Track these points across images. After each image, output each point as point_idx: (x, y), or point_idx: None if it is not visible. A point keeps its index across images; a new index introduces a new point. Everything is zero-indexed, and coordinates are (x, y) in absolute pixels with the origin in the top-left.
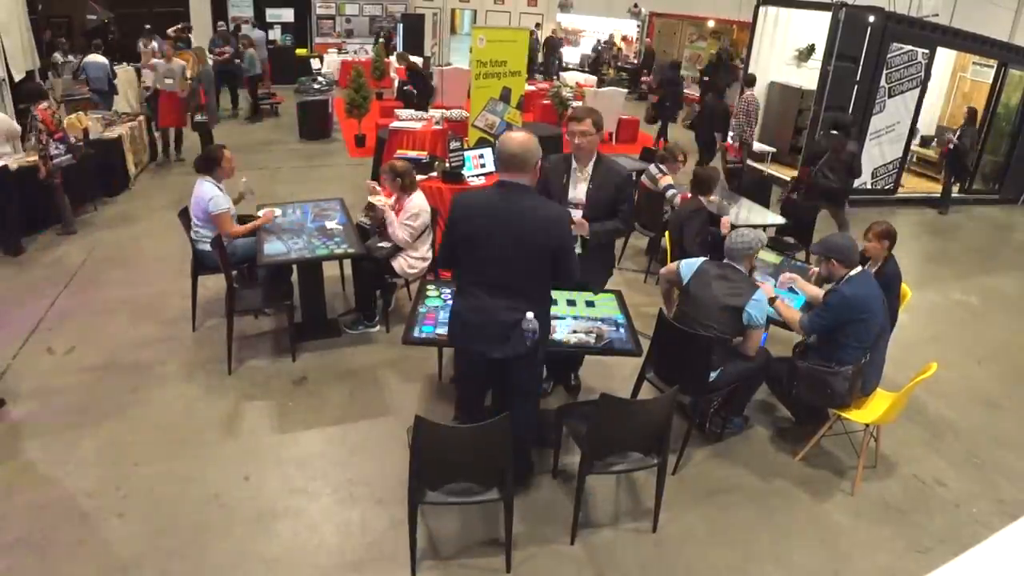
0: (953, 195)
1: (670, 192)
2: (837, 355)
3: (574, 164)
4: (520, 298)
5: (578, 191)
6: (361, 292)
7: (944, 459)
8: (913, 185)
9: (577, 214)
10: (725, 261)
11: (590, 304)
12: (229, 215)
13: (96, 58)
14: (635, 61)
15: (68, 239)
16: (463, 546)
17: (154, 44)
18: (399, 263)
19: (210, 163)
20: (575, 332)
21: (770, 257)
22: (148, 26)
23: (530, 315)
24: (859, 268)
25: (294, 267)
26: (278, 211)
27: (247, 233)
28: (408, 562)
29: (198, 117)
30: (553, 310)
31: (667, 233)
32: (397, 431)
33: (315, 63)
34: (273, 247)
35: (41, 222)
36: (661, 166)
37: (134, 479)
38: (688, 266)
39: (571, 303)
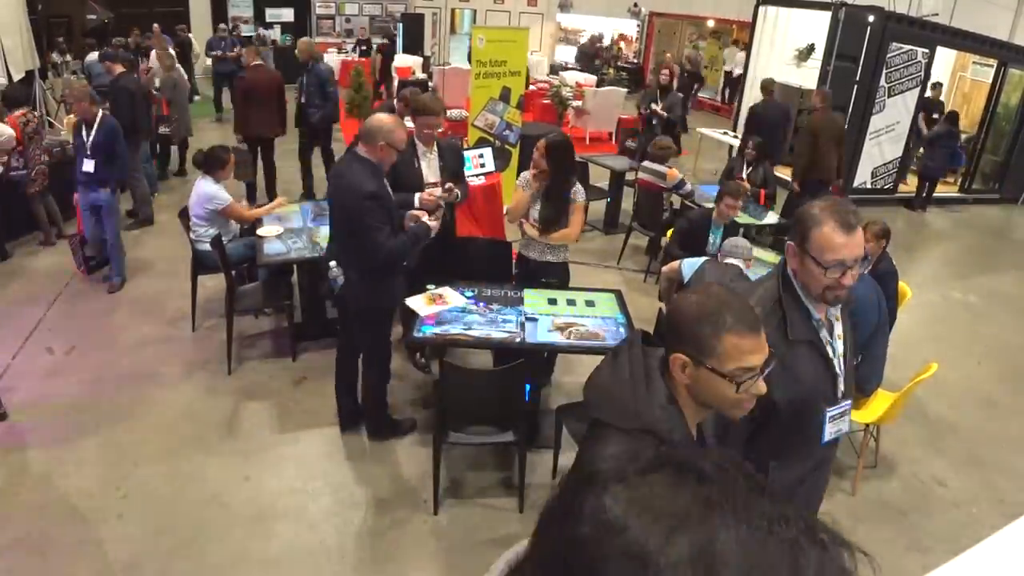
0: (952, 195)
1: (687, 188)
2: None
3: (420, 148)
4: (340, 253)
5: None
6: None
7: (944, 459)
8: (913, 185)
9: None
10: (726, 261)
11: (590, 304)
12: (238, 204)
13: (97, 55)
14: (635, 61)
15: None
16: (478, 486)
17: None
18: None
19: (213, 164)
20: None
21: (769, 257)
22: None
23: (332, 264)
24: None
25: (294, 267)
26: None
27: (261, 216)
28: (408, 562)
29: (162, 129)
30: (548, 309)
31: (669, 231)
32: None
33: None
34: (273, 247)
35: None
36: (666, 164)
37: (134, 479)
38: (690, 265)
39: (571, 303)
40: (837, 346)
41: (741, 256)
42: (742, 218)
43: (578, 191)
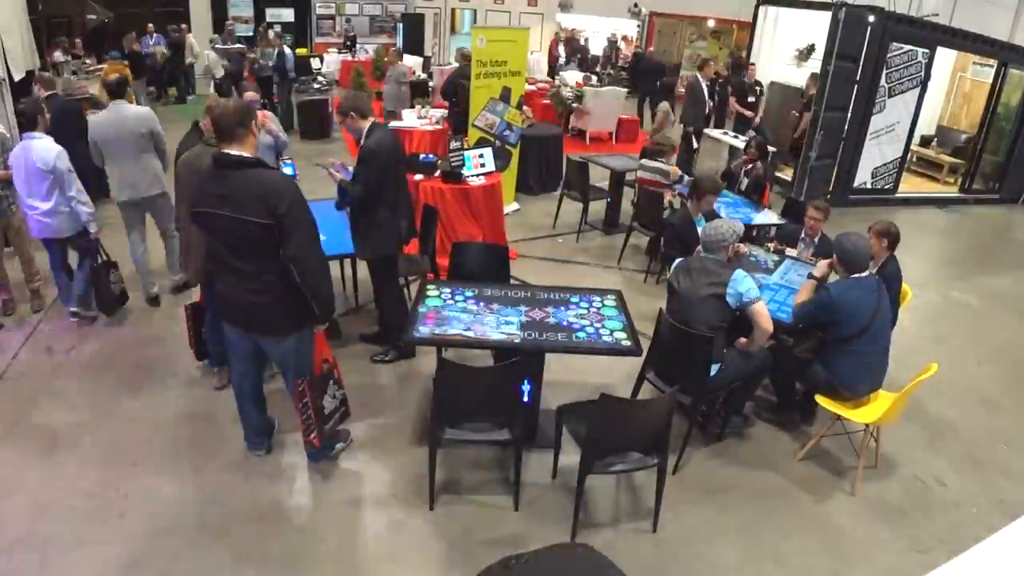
0: (952, 194)
1: (687, 179)
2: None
3: None
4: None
5: None
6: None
7: (944, 459)
8: (913, 185)
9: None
10: (702, 254)
11: (587, 303)
12: None
13: None
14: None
15: None
16: (475, 485)
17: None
18: None
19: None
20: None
21: (766, 254)
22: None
23: None
24: (863, 273)
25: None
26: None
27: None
28: (406, 561)
29: None
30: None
31: None
32: (397, 431)
33: (315, 63)
34: None
35: None
36: (662, 159)
37: (134, 479)
38: (674, 265)
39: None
40: None
41: (722, 245)
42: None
43: None
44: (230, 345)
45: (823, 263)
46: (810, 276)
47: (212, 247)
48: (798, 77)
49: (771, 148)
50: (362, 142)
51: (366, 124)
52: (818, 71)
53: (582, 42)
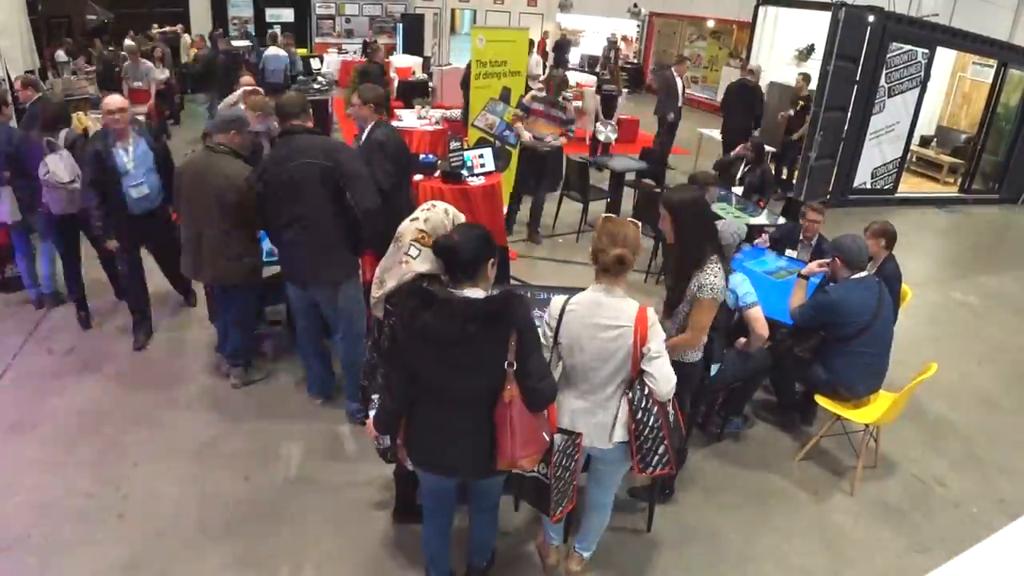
0: (952, 194)
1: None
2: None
3: None
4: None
5: None
6: None
7: (944, 459)
8: (913, 185)
9: None
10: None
11: None
12: None
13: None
14: (635, 61)
15: None
16: None
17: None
18: None
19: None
20: None
21: (766, 257)
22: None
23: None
24: (863, 273)
25: None
26: None
27: None
28: (407, 562)
29: None
30: None
31: None
32: None
33: (315, 63)
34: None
35: None
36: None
37: (134, 479)
38: None
39: None
40: None
41: (726, 245)
42: (742, 218)
43: None
44: (293, 301)
45: (813, 264)
46: (799, 275)
47: (278, 210)
48: None
49: (770, 148)
50: (365, 136)
51: (374, 120)
52: (809, 71)
53: (571, 48)
